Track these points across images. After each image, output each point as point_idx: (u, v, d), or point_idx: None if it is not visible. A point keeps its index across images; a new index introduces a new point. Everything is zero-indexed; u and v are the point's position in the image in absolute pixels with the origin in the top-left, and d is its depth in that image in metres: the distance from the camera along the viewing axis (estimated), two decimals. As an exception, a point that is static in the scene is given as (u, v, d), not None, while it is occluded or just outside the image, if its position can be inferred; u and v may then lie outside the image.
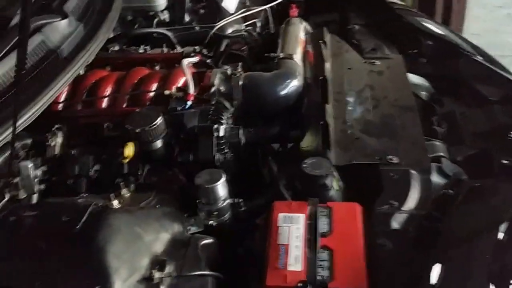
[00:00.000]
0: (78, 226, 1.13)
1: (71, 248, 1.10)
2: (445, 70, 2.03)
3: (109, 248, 1.10)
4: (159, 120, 1.48)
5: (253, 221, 1.42)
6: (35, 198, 1.44)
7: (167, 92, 1.66)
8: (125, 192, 1.36)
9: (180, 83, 1.76)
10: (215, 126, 1.50)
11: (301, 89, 1.79)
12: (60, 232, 1.13)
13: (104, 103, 1.74)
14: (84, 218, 1.15)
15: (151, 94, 1.73)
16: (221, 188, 1.35)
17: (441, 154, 1.62)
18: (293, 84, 1.77)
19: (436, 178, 1.49)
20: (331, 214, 1.33)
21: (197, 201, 1.38)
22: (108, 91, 1.75)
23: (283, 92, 1.75)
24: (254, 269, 1.29)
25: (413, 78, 1.97)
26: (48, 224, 1.16)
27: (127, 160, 1.47)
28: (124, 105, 1.72)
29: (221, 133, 1.51)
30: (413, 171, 1.47)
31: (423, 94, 1.99)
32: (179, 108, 1.61)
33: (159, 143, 1.50)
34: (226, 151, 1.53)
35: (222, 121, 1.53)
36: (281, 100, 1.76)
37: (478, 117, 1.80)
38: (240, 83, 1.72)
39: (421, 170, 1.47)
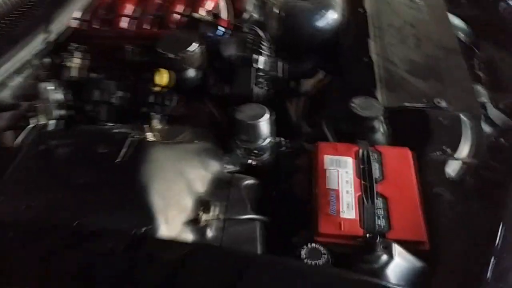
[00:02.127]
0: (118, 160, 1.01)
1: (113, 184, 0.99)
2: (485, 14, 1.91)
3: (153, 186, 0.99)
4: (196, 46, 1.33)
5: (293, 162, 1.32)
6: (53, 124, 1.30)
7: (196, 15, 1.50)
8: (156, 124, 1.24)
9: (211, 6, 1.60)
10: (255, 56, 1.37)
11: (339, 22, 1.65)
12: (99, 165, 1.01)
13: (124, 23, 1.58)
14: (124, 150, 1.02)
15: (178, 16, 1.57)
16: (265, 126, 1.23)
17: (485, 100, 1.53)
18: (332, 17, 1.63)
19: (483, 126, 1.41)
20: (381, 159, 1.24)
21: (235, 137, 1.27)
22: (130, 10, 1.58)
23: (321, 24, 1.61)
24: (293, 214, 1.21)
25: (453, 19, 1.85)
26: (84, 155, 1.03)
27: (158, 89, 1.33)
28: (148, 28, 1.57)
29: (261, 65, 1.37)
30: (463, 117, 1.37)
31: (462, 36, 1.87)
32: (210, 34, 1.46)
33: (192, 72, 1.36)
34: (263, 84, 1.40)
35: (262, 52, 1.40)
36: (318, 33, 1.62)
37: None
38: (276, 11, 1.58)
39: (471, 116, 1.38)
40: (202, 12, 1.53)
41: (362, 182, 1.16)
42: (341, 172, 1.20)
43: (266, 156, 1.28)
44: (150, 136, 1.16)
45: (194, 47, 1.33)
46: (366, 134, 1.30)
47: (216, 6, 1.56)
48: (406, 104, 1.39)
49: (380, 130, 1.31)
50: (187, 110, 1.39)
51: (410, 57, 1.57)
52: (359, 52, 1.53)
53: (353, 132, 1.32)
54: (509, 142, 1.34)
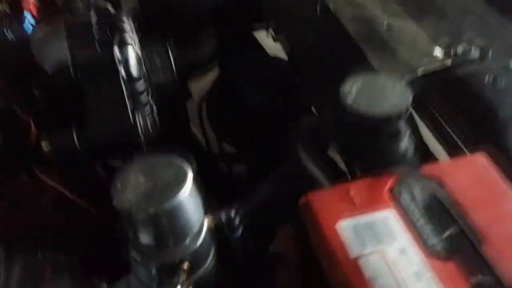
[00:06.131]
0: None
1: None
2: None
3: None
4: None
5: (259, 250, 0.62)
6: None
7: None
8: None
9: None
10: (117, 52, 0.62)
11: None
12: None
13: None
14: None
15: None
16: (191, 202, 0.50)
17: None
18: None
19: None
20: (449, 193, 0.57)
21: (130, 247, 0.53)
22: None
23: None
24: None
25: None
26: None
27: None
28: None
29: (134, 69, 0.63)
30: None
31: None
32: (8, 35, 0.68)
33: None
34: (149, 108, 0.66)
35: (128, 39, 0.65)
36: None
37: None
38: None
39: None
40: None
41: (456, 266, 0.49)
42: (392, 255, 0.52)
43: (208, 265, 0.55)
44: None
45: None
46: (384, 150, 0.63)
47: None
48: (424, 68, 0.73)
49: (408, 134, 0.65)
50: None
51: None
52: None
53: (357, 152, 0.64)
54: None
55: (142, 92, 0.63)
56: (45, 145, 0.59)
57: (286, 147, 0.66)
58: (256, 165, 1.12)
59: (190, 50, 0.91)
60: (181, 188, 0.49)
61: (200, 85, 1.18)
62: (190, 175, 0.50)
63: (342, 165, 0.65)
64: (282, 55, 1.13)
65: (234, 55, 1.07)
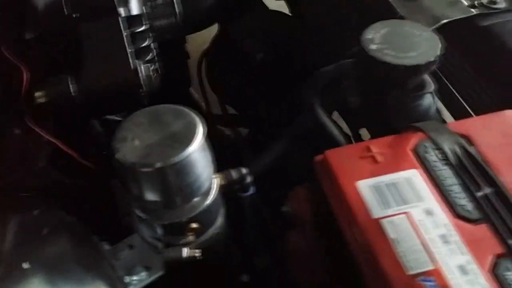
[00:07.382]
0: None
1: None
2: None
3: None
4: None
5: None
6: None
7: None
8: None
9: None
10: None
11: None
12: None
13: None
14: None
15: None
16: (202, 160, 0.46)
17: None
18: None
19: None
20: (479, 154, 0.53)
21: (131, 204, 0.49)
22: None
23: None
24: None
25: None
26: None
27: None
28: None
29: (135, 7, 0.57)
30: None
31: None
32: None
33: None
34: (152, 54, 0.61)
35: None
36: None
37: None
38: None
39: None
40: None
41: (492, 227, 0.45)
42: (418, 217, 0.48)
43: (217, 226, 0.51)
44: None
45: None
46: (408, 103, 0.58)
47: None
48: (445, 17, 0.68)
49: (433, 88, 0.60)
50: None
51: None
52: None
53: (377, 107, 0.59)
54: None
55: (143, 35, 0.57)
56: (38, 95, 0.53)
57: (298, 102, 0.61)
58: (259, 126, 1.06)
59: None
60: (192, 141, 0.44)
61: (198, 46, 1.12)
62: (201, 126, 0.45)
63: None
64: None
65: (235, 11, 1.00)
